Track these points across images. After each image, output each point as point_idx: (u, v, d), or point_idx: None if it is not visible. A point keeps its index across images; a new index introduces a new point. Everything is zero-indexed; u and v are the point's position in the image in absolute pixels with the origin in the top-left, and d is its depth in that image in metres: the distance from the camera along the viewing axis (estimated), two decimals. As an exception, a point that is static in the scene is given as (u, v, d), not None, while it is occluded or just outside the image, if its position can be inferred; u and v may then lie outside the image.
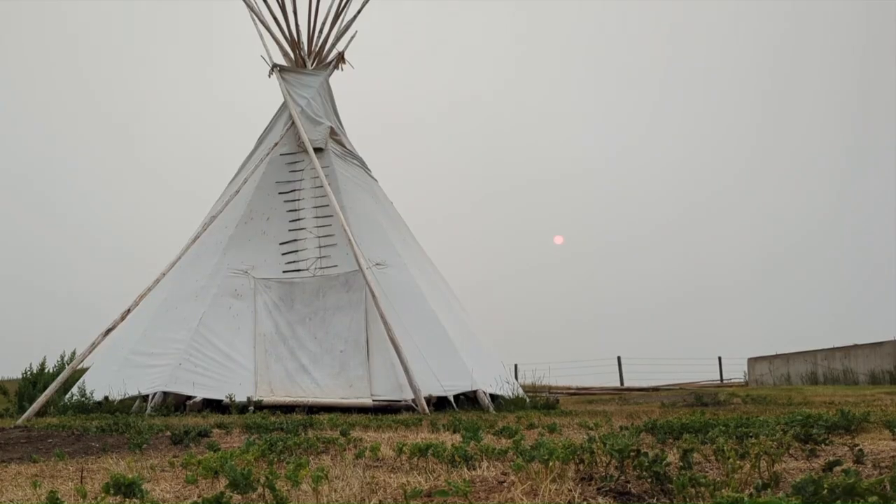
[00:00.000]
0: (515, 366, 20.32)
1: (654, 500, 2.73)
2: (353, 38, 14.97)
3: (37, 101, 50.64)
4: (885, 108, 46.12)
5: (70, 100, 52.07)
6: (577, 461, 3.26)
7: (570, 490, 2.88)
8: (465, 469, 3.55)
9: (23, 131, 48.97)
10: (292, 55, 14.90)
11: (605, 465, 3.23)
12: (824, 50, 50.03)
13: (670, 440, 4.55)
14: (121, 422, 7.39)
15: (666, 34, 52.99)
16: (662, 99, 52.57)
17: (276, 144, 13.75)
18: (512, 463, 3.33)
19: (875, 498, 2.17)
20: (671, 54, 52.68)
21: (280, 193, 13.41)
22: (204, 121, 55.46)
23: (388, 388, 11.03)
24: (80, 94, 52.07)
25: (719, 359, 24.77)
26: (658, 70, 52.47)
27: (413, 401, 10.34)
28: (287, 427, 6.32)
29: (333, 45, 14.95)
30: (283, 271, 12.45)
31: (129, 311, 11.42)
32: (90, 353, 11.29)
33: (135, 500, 2.75)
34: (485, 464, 3.67)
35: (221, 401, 10.57)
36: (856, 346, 19.65)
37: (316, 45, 14.96)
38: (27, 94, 49.41)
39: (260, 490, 2.83)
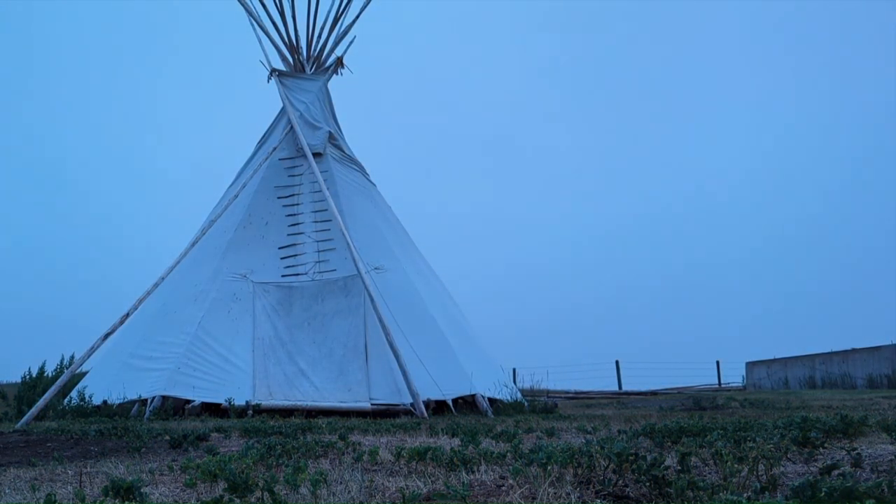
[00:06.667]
0: (514, 370, 20.24)
1: (653, 504, 2.74)
2: (351, 42, 15.00)
3: (36, 101, 50.71)
4: (884, 113, 46.28)
5: (69, 101, 52.13)
6: (576, 465, 3.27)
7: (569, 494, 2.88)
8: (464, 473, 3.55)
9: (21, 133, 49.05)
10: (291, 60, 14.91)
11: (603, 468, 3.23)
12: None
13: (668, 444, 4.55)
14: (119, 426, 7.37)
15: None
16: (659, 113, 52.70)
17: (274, 149, 13.76)
18: (510, 467, 3.33)
19: (873, 501, 2.18)
20: (676, 82, 52.85)
21: (279, 198, 13.41)
22: (202, 125, 55.50)
23: (387, 393, 11.03)
24: (79, 95, 52.15)
25: (717, 363, 24.72)
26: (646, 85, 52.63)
27: (411, 405, 10.34)
28: (286, 431, 6.32)
29: (332, 50, 14.97)
30: (282, 275, 12.45)
31: (128, 315, 11.42)
32: (89, 357, 11.28)
33: (133, 503, 2.75)
34: (483, 467, 3.67)
35: (220, 405, 10.56)
36: (854, 351, 19.66)
37: (315, 49, 14.97)
38: (27, 95, 49.47)
39: (258, 493, 2.84)
